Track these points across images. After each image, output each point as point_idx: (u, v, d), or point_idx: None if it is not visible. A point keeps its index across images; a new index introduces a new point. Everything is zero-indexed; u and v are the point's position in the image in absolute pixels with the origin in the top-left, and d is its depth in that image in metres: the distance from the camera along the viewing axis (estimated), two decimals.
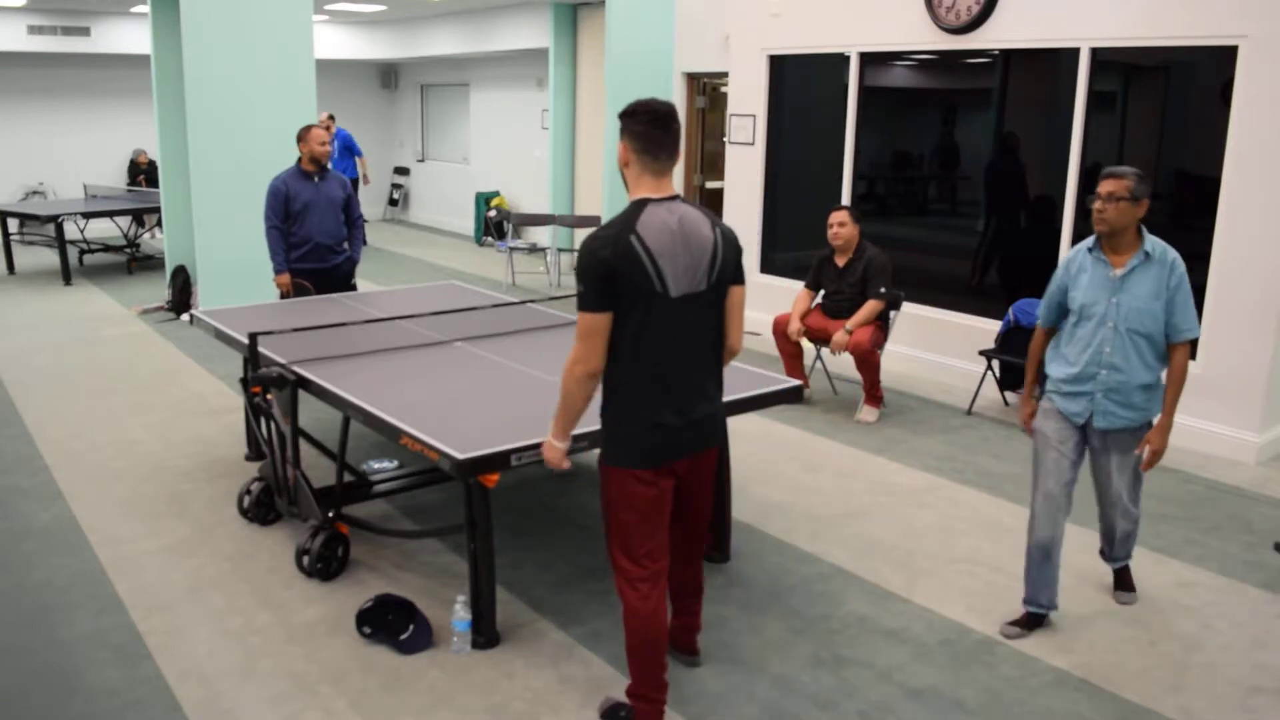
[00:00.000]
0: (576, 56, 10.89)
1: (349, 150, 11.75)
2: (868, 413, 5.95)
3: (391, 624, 3.45)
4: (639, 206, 2.72)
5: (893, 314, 6.04)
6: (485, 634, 3.42)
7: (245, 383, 4.53)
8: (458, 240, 13.51)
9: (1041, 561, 3.53)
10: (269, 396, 4.11)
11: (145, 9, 10.18)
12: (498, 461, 3.16)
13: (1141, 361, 3.39)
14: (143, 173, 13.14)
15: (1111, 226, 3.32)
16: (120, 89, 13.39)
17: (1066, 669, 3.36)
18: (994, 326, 6.30)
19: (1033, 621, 3.60)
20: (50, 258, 11.01)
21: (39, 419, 5.77)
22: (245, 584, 3.87)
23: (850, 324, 5.78)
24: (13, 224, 10.77)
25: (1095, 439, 3.52)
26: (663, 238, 2.69)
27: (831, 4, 7.18)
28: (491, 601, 3.43)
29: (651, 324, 2.70)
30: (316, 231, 5.83)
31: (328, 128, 5.85)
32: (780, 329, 6.06)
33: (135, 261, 10.73)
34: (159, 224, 11.65)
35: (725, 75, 8.80)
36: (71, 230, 11.11)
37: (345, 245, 6.01)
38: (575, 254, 2.73)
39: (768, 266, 8.04)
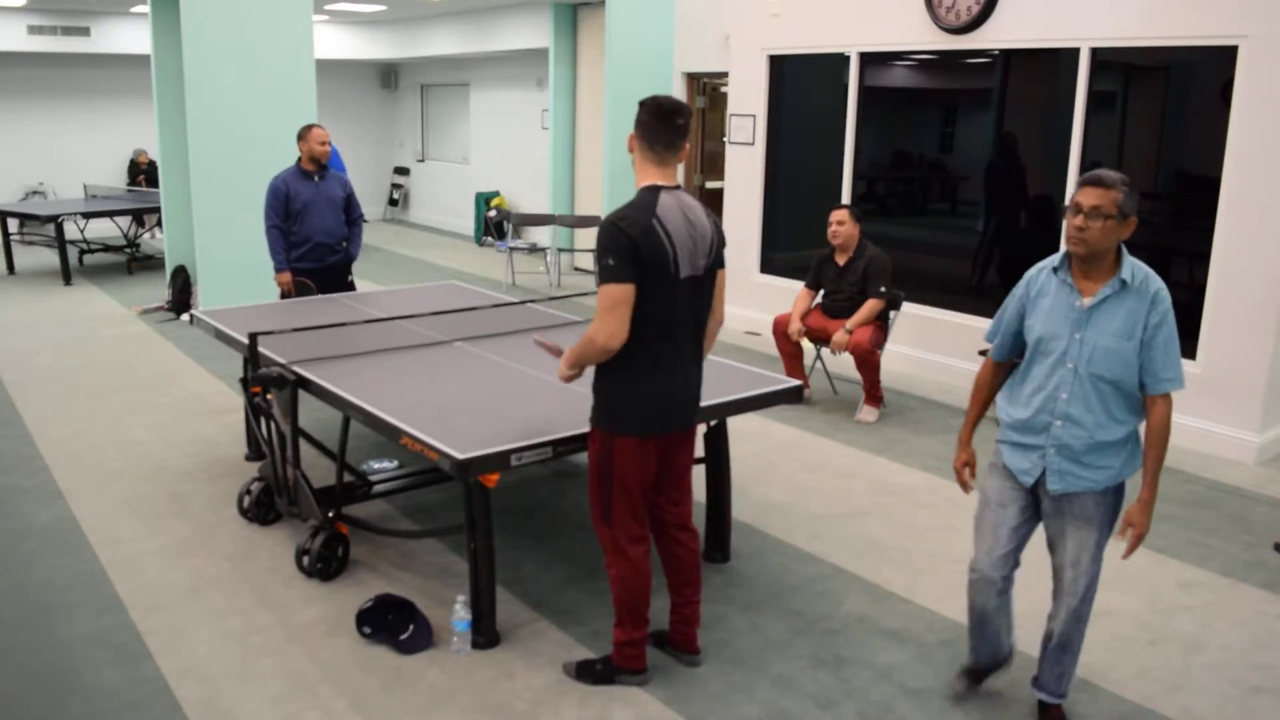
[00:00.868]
0: (576, 56, 10.90)
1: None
2: (868, 413, 5.95)
3: (391, 624, 3.45)
4: (654, 192, 2.91)
5: (893, 314, 6.04)
6: (485, 634, 3.42)
7: (245, 383, 4.53)
8: (458, 240, 13.51)
9: (980, 623, 3.04)
10: (269, 396, 4.11)
11: (145, 9, 10.18)
12: (498, 461, 3.16)
13: (1107, 414, 2.72)
14: (143, 173, 13.14)
15: (1091, 249, 2.64)
16: (120, 89, 13.39)
17: None
18: None
19: (977, 675, 3.18)
20: (50, 258, 11.01)
21: (39, 419, 5.77)
22: (245, 584, 3.87)
23: (850, 324, 5.78)
24: (13, 224, 10.77)
25: (1048, 503, 2.85)
26: (678, 222, 2.90)
27: (831, 4, 7.18)
28: (491, 601, 3.43)
29: (662, 302, 2.88)
30: (316, 231, 5.84)
31: (324, 141, 5.87)
32: (780, 329, 6.06)
33: (135, 261, 10.73)
34: (159, 224, 11.65)
35: (725, 75, 8.80)
36: (71, 230, 11.11)
37: (345, 245, 6.02)
38: (591, 242, 2.85)
39: (767, 266, 8.04)
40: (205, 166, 7.39)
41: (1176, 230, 5.74)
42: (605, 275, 2.82)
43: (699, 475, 4.43)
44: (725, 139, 8.30)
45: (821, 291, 6.19)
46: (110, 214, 10.53)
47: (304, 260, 5.86)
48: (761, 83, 7.78)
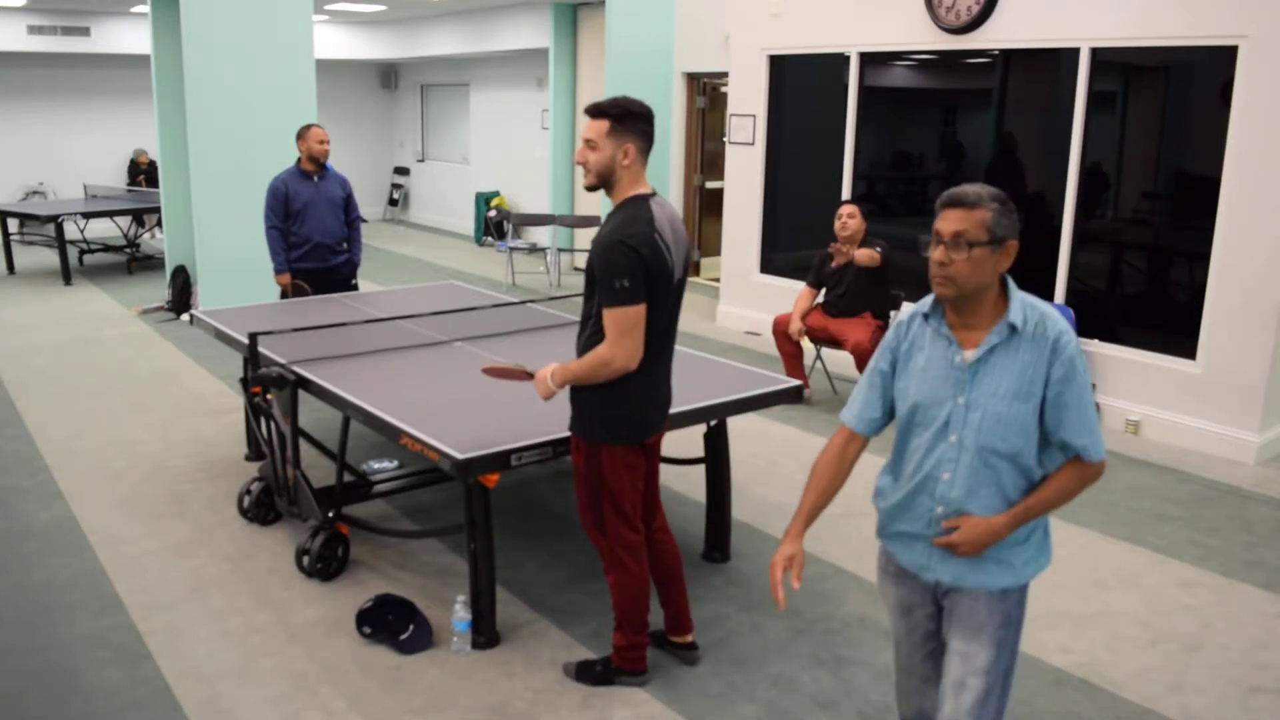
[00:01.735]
0: (576, 56, 10.90)
1: None
2: None
3: (391, 624, 3.45)
4: (645, 202, 2.87)
5: (893, 314, 6.04)
6: (485, 634, 3.42)
7: (245, 383, 4.53)
8: (458, 240, 13.51)
9: None
10: (269, 396, 4.11)
11: (145, 9, 10.18)
12: (498, 461, 3.16)
13: (1001, 498, 2.12)
14: (143, 173, 13.14)
15: (960, 288, 2.10)
16: (120, 89, 13.40)
17: (1066, 669, 3.35)
18: None
19: None
20: (50, 258, 11.01)
21: (39, 419, 5.77)
22: (245, 584, 3.87)
23: (858, 255, 5.75)
24: (13, 224, 10.77)
25: (940, 596, 2.26)
26: (670, 231, 2.88)
27: (831, 4, 7.18)
28: (491, 601, 3.43)
29: (661, 312, 2.90)
30: (316, 231, 5.84)
31: (323, 140, 5.87)
32: (780, 329, 6.06)
33: (135, 261, 10.73)
34: (159, 224, 11.65)
35: (725, 75, 8.80)
36: (71, 230, 11.12)
37: (345, 245, 6.02)
38: (600, 252, 2.77)
39: (767, 266, 8.03)
40: (205, 166, 7.39)
41: (1176, 230, 5.74)
42: (620, 297, 2.73)
43: (699, 475, 4.43)
44: (725, 139, 8.30)
45: (823, 291, 6.19)
46: (110, 214, 10.53)
47: (304, 260, 5.86)
48: (761, 83, 7.78)
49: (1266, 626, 3.66)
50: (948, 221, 2.14)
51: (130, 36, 12.37)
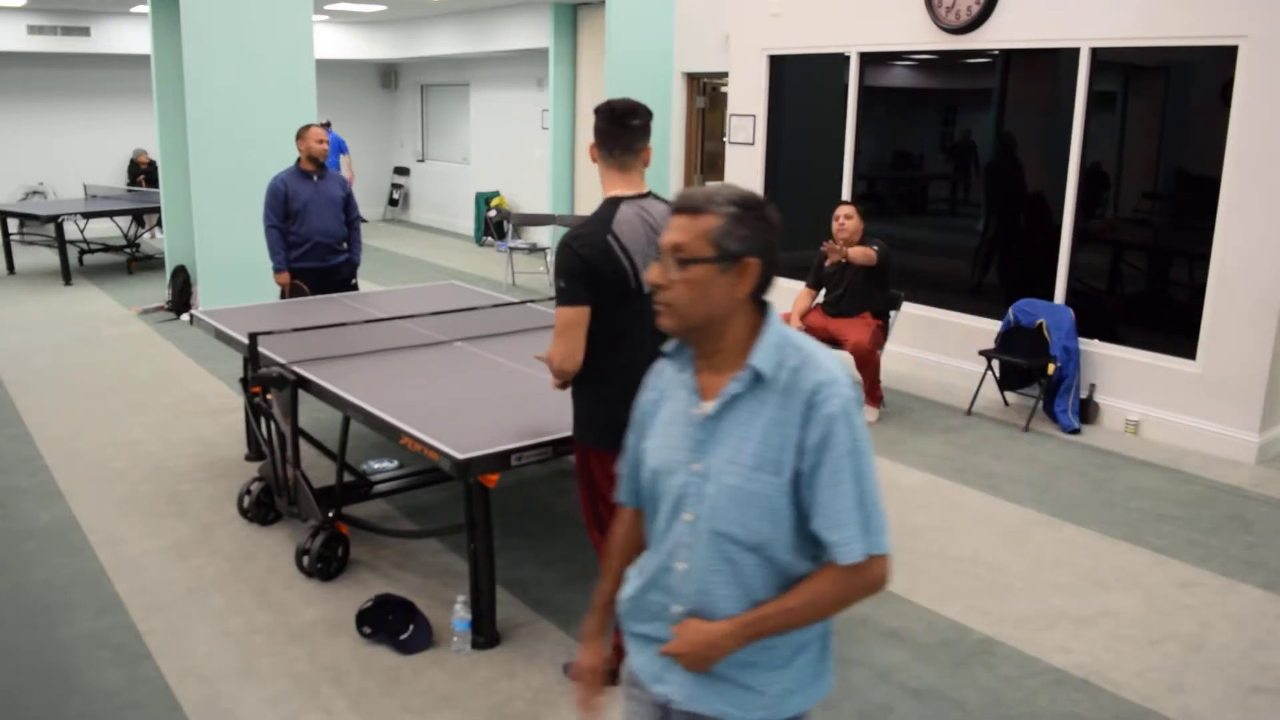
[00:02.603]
0: (576, 56, 10.90)
1: (337, 149, 11.87)
2: (868, 413, 5.94)
3: (391, 624, 3.45)
4: (613, 205, 2.85)
5: (893, 314, 6.04)
6: (485, 634, 3.42)
7: (245, 383, 4.53)
8: (458, 240, 13.51)
9: None
10: (269, 396, 4.11)
11: (145, 9, 10.18)
12: (498, 461, 3.16)
13: (747, 600, 1.61)
14: (143, 173, 13.14)
15: (682, 318, 1.61)
16: (120, 89, 13.40)
17: (1066, 669, 3.35)
18: (994, 326, 6.30)
19: None
20: (50, 258, 11.00)
21: (39, 419, 5.77)
22: (245, 584, 3.87)
23: (851, 253, 5.73)
24: (13, 224, 10.77)
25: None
26: (637, 235, 2.83)
27: (831, 4, 7.18)
28: (491, 601, 3.43)
29: (627, 318, 2.84)
30: (316, 231, 5.84)
31: (322, 140, 5.88)
32: None
33: (135, 261, 10.73)
34: (159, 224, 11.65)
35: (725, 75, 8.80)
36: (71, 230, 11.11)
37: (345, 245, 6.02)
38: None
39: None
40: (205, 166, 7.39)
41: (1176, 230, 5.74)
42: (560, 297, 2.79)
43: None
44: (725, 139, 8.30)
45: (823, 291, 6.19)
46: (110, 214, 10.53)
47: (304, 260, 5.86)
48: (761, 83, 7.77)
49: (1266, 626, 3.66)
50: (669, 231, 1.61)
51: (130, 36, 12.37)
